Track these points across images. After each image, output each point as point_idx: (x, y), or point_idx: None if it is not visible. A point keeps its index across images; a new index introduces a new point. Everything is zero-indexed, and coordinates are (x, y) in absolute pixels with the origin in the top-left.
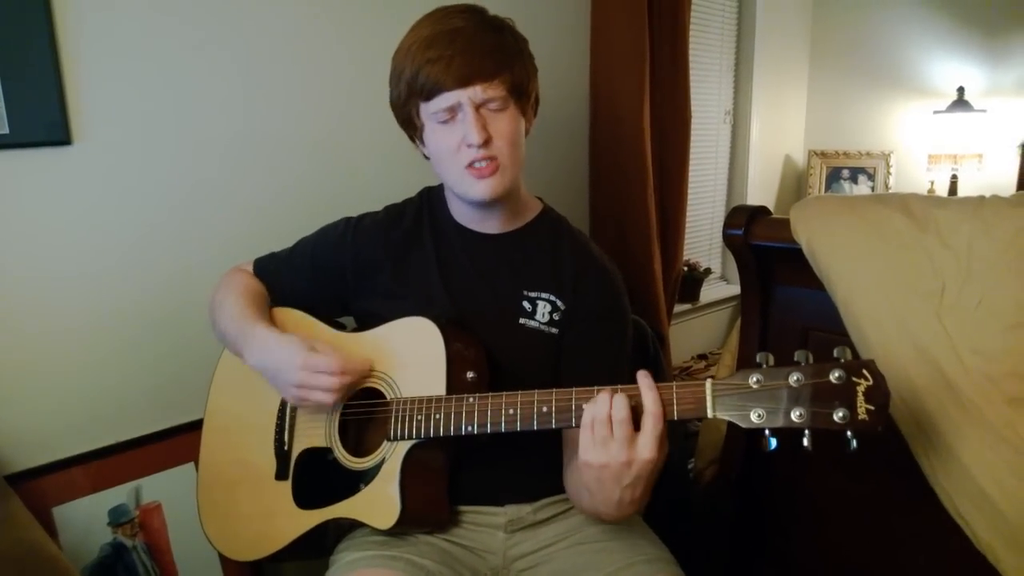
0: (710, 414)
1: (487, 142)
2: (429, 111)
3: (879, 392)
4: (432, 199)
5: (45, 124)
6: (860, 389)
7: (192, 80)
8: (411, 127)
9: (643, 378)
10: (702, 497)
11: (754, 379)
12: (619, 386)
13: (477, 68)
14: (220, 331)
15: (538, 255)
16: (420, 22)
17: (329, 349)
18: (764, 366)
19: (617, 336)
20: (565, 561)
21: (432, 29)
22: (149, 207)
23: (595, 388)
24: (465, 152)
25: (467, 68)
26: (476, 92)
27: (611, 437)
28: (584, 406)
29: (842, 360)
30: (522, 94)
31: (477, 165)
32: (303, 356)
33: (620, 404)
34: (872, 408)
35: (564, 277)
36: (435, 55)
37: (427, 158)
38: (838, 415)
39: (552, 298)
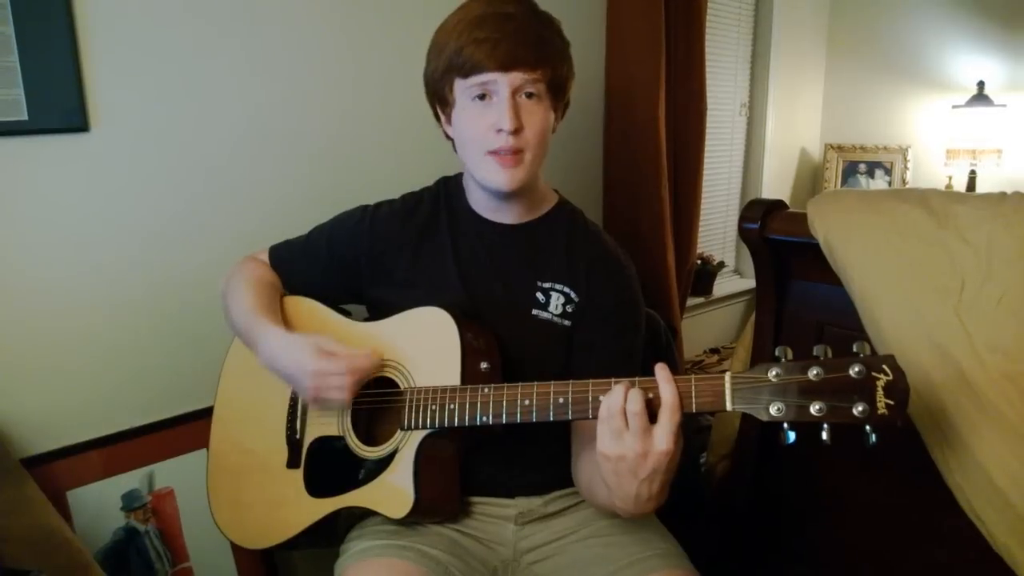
0: (728, 407)
1: (517, 131)
2: (464, 86)
3: (899, 387)
4: (449, 188)
5: (63, 110)
6: (880, 384)
7: (208, 68)
8: (442, 103)
9: (661, 370)
10: (714, 492)
11: (773, 372)
12: (637, 378)
13: (522, 55)
14: (232, 323)
15: (553, 247)
16: (469, 2)
17: (337, 347)
18: (783, 360)
19: (631, 331)
20: (575, 554)
21: (483, 10)
22: (165, 194)
23: (612, 380)
24: (493, 137)
25: (512, 54)
26: (516, 78)
27: (626, 429)
28: (601, 398)
29: (861, 355)
30: (558, 91)
31: (503, 153)
32: (313, 363)
33: (634, 397)
34: (892, 403)
35: (579, 269)
36: (483, 35)
37: (448, 138)
38: (857, 409)
39: (566, 290)
